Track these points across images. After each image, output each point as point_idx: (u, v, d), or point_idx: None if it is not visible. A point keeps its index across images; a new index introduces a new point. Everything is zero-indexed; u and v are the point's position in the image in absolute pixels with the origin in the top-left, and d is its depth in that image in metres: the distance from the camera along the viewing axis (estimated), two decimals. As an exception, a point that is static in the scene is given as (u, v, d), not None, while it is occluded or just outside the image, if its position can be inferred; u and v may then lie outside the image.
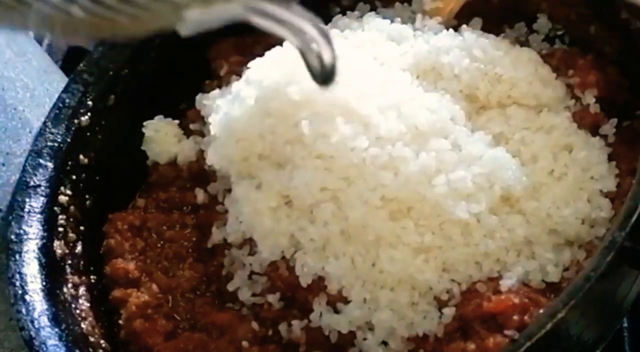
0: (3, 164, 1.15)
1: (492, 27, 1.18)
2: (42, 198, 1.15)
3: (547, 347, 0.89)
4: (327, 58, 0.88)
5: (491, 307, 0.97)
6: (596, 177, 1.04)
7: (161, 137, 1.23)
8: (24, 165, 1.16)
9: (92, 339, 1.10)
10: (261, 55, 1.17)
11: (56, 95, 1.21)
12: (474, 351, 0.95)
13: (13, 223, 1.12)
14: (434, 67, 1.10)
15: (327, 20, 1.22)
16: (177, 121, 1.25)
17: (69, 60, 1.44)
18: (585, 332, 0.95)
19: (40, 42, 1.39)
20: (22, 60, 1.20)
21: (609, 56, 1.13)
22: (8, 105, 1.15)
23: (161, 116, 1.25)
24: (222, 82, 1.23)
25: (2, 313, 1.14)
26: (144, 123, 1.24)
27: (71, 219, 1.17)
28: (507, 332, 0.95)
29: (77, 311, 1.11)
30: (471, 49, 1.09)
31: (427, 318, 1.01)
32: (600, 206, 1.03)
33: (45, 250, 1.12)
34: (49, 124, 1.19)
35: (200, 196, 1.17)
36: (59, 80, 1.28)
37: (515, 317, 0.96)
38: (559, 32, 1.18)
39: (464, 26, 1.15)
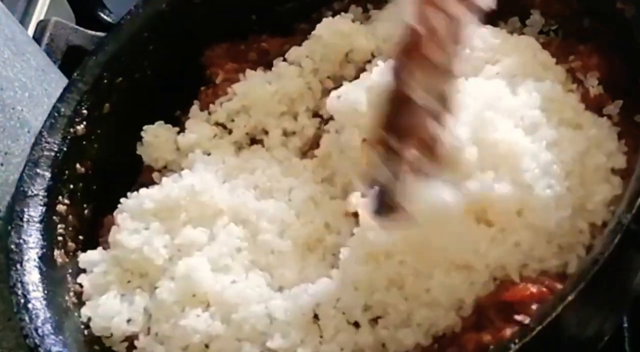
0: (2, 164, 1.13)
1: (485, 22, 1.17)
2: (40, 207, 1.14)
3: (556, 334, 0.88)
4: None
5: (508, 296, 0.94)
6: (609, 156, 1.00)
7: (159, 143, 1.22)
8: (22, 175, 1.15)
9: (96, 347, 1.09)
10: (255, 61, 1.17)
11: (55, 95, 1.21)
12: (489, 342, 0.92)
13: (12, 233, 1.11)
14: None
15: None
16: (176, 128, 1.24)
17: (68, 60, 1.42)
18: (593, 320, 0.94)
19: (39, 41, 1.39)
20: (21, 60, 1.18)
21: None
22: (6, 105, 1.14)
23: (161, 122, 1.24)
24: (218, 90, 1.23)
25: (0, 313, 1.13)
26: (144, 127, 1.23)
27: (70, 229, 1.17)
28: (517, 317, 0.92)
29: (80, 319, 1.10)
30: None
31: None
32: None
33: (46, 259, 1.11)
34: (45, 133, 1.18)
35: None
36: (58, 80, 1.27)
37: (533, 307, 0.93)
38: (553, 27, 1.19)
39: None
